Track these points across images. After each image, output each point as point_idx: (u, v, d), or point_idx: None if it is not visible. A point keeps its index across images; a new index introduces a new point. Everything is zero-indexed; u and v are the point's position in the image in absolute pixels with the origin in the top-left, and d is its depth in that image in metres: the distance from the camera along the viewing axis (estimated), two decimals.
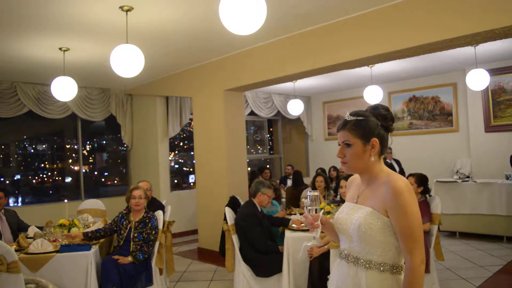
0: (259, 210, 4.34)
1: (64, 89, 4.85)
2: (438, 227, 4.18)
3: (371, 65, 6.44)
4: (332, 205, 4.53)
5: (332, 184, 7.50)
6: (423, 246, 1.55)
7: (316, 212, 1.74)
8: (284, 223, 4.37)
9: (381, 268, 1.58)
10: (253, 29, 2.96)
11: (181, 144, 9.03)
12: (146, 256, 3.94)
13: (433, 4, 3.62)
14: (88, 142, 8.13)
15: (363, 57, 4.25)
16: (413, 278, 1.50)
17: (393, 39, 3.93)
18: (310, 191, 1.77)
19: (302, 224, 4.22)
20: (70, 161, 7.84)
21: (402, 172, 7.53)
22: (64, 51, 4.93)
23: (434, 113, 7.93)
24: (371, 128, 1.65)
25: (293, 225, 4.26)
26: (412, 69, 7.20)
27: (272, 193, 4.46)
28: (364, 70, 6.82)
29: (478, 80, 5.72)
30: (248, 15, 2.82)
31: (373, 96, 6.81)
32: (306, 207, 1.77)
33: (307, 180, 8.86)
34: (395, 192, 1.54)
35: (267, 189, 4.36)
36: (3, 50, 4.87)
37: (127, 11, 3.76)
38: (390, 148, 7.55)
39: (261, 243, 4.13)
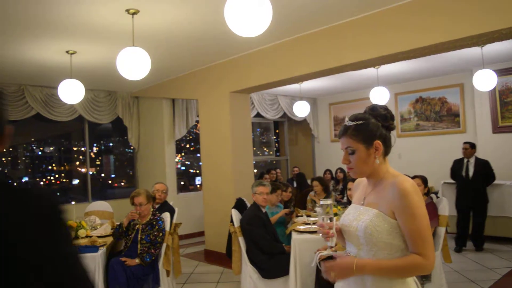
0: (264, 211, 4.33)
1: (71, 92, 4.90)
2: (446, 229, 4.15)
3: (377, 67, 6.41)
4: (339, 207, 4.53)
5: (339, 186, 7.51)
6: (433, 246, 1.54)
7: (330, 220, 1.68)
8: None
9: None
10: (258, 31, 2.97)
11: (188, 146, 9.06)
12: (153, 258, 3.95)
13: (439, 5, 3.60)
14: (95, 145, 8.18)
15: (369, 59, 4.23)
16: (415, 266, 1.50)
17: (399, 40, 3.91)
18: (322, 200, 1.73)
19: (307, 226, 4.23)
20: (77, 163, 7.89)
21: (489, 175, 5.95)
22: (71, 54, 4.96)
23: (441, 114, 7.87)
24: (372, 130, 1.63)
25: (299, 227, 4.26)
26: (418, 70, 7.16)
27: (265, 188, 4.28)
28: (370, 72, 6.80)
29: (485, 80, 5.67)
30: (253, 17, 2.82)
31: (379, 97, 6.78)
32: (319, 216, 1.71)
33: None
34: (402, 193, 1.52)
35: (256, 187, 4.30)
36: (10, 54, 4.92)
37: (133, 14, 3.79)
38: (469, 143, 6.08)
39: (267, 244, 4.12)
